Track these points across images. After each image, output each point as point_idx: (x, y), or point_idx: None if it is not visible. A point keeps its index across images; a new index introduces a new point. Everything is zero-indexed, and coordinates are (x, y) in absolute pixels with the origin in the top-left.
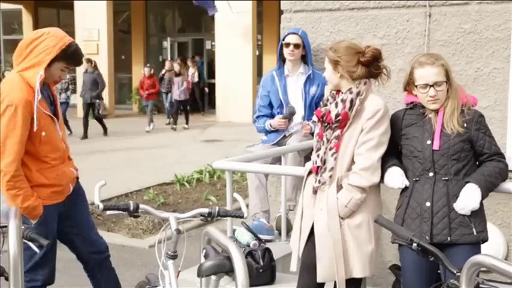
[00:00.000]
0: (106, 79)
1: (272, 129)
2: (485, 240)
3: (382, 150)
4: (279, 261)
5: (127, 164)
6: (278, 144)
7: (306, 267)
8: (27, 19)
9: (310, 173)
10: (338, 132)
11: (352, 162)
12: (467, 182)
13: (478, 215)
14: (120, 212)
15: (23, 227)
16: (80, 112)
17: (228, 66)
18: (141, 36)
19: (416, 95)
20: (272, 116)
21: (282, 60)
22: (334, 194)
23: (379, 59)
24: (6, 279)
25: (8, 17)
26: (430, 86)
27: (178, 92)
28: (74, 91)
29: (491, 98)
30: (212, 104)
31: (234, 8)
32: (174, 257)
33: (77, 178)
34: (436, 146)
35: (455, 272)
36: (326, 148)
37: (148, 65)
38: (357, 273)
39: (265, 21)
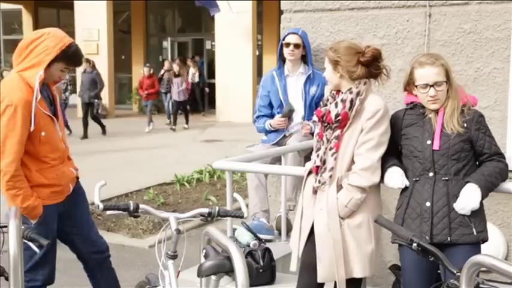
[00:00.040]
0: (106, 79)
1: (272, 129)
2: (485, 240)
3: (382, 150)
4: (279, 261)
5: (127, 164)
6: (278, 144)
7: (305, 267)
8: (27, 19)
9: (310, 173)
10: (338, 132)
11: (352, 162)
12: (467, 182)
13: (478, 215)
14: (120, 212)
15: (23, 227)
16: (80, 112)
17: (228, 66)
18: (141, 36)
19: (416, 95)
20: (272, 116)
21: (282, 60)
22: (334, 194)
23: (379, 59)
24: (6, 279)
25: (8, 17)
26: (430, 86)
27: (177, 93)
28: (73, 91)
29: (491, 98)
30: (212, 104)
31: (234, 8)
32: (174, 257)
33: (77, 178)
34: (436, 146)
35: (455, 272)
36: (326, 148)
37: (147, 64)
38: (357, 273)
39: (265, 21)
